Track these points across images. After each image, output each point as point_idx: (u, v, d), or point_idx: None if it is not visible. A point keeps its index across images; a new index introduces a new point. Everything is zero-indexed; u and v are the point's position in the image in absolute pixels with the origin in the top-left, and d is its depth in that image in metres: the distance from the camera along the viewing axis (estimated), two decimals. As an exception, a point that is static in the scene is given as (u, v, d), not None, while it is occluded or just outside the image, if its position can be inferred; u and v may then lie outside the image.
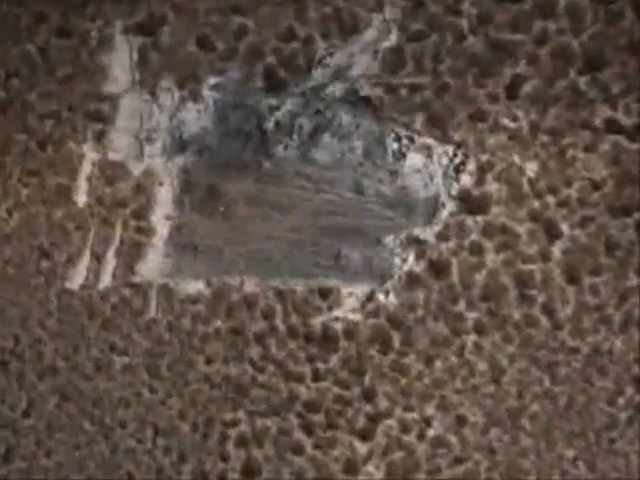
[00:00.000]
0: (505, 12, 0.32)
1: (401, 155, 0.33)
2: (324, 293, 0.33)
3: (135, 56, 0.33)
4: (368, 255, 0.33)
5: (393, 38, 0.33)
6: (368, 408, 0.33)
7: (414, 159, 0.33)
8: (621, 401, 0.34)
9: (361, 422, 0.33)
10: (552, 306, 0.33)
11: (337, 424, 0.33)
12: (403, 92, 0.33)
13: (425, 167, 0.33)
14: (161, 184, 0.36)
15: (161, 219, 0.36)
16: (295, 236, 0.35)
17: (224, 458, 0.33)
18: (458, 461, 0.34)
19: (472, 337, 0.33)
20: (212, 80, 0.33)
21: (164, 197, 0.36)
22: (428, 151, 0.33)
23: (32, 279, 0.35)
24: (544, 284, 0.33)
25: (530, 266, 0.33)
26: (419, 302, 0.33)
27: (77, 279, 0.35)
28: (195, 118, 0.33)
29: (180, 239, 0.36)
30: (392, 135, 0.33)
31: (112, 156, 0.33)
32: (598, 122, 0.32)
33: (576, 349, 0.33)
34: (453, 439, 0.33)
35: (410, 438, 0.33)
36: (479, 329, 0.33)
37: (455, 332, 0.33)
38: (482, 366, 0.33)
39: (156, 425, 0.35)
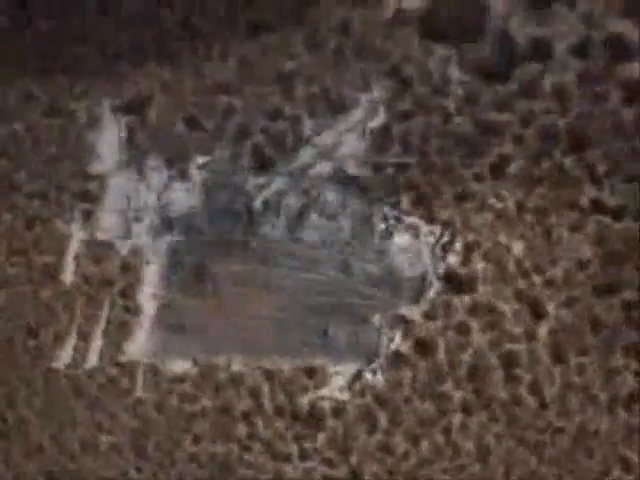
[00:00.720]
0: (491, 92, 0.33)
1: (388, 235, 0.34)
2: (311, 372, 0.34)
3: (123, 135, 0.33)
4: (355, 334, 0.34)
5: (380, 118, 0.33)
6: None
7: (401, 238, 0.34)
8: None
9: None
10: (538, 386, 0.34)
11: None
12: (390, 172, 0.34)
13: (412, 246, 0.34)
14: (148, 263, 0.36)
15: (148, 298, 0.36)
16: (282, 315, 0.35)
17: None
18: None
19: (458, 416, 0.34)
20: (200, 159, 0.33)
21: (151, 276, 0.36)
22: (415, 231, 0.34)
23: (18, 358, 0.35)
24: (530, 364, 0.34)
25: (516, 346, 0.34)
26: (406, 381, 0.34)
27: (64, 358, 0.34)
28: (183, 197, 0.33)
29: (167, 318, 0.36)
30: (379, 215, 0.34)
31: (99, 235, 0.34)
32: (584, 202, 0.33)
33: (562, 429, 0.34)
34: None
35: None
36: (465, 409, 0.34)
37: (441, 411, 0.34)
38: (468, 446, 0.34)
39: None
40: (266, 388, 0.34)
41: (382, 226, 0.34)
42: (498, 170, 0.34)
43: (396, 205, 0.34)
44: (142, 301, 0.35)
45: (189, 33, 0.34)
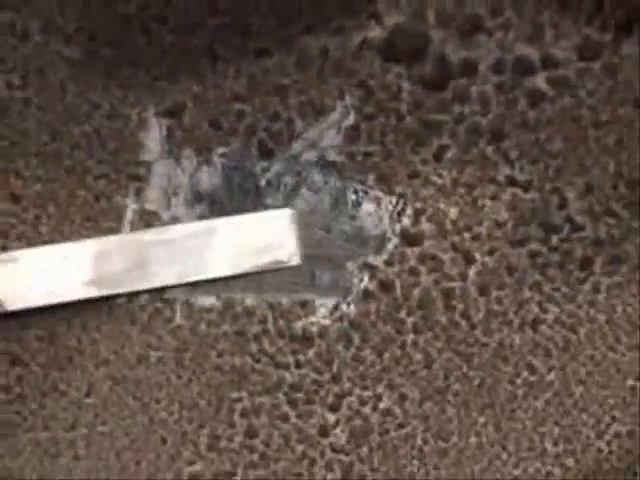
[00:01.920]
0: (432, 99, 0.39)
1: (358, 204, 0.41)
2: (303, 304, 0.40)
3: (164, 133, 0.39)
4: (335, 277, 0.41)
5: (351, 118, 0.40)
6: (336, 388, 0.40)
7: (368, 207, 0.41)
8: (519, 381, 0.40)
9: (330, 399, 0.41)
10: (468, 312, 0.41)
11: (313, 400, 0.40)
12: (359, 158, 0.40)
13: (375, 212, 0.41)
14: (183, 226, 0.46)
15: (182, 252, 0.46)
16: (278, 267, 0.41)
17: (231, 425, 0.40)
18: (401, 426, 0.40)
19: (411, 336, 0.41)
20: (220, 150, 0.40)
21: (185, 237, 0.46)
22: (378, 201, 0.41)
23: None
24: (462, 296, 0.41)
25: (452, 283, 0.41)
26: (372, 310, 0.41)
27: (123, 297, 0.40)
28: (208, 178, 0.40)
29: None
30: (351, 189, 0.41)
31: (147, 206, 0.40)
32: (500, 178, 0.40)
33: (486, 344, 0.41)
34: (397, 410, 0.40)
35: (366, 410, 0.41)
36: (416, 330, 0.41)
37: (398, 332, 0.41)
38: (418, 357, 0.41)
39: (181, 402, 0.39)
40: (270, 316, 0.40)
41: (353, 197, 0.41)
42: (438, 156, 0.40)
43: (364, 182, 0.41)
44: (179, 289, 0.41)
45: (212, 57, 0.39)
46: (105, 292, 0.39)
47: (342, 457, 0.40)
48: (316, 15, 0.39)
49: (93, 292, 0.39)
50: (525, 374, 0.41)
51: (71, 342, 0.40)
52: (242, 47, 0.39)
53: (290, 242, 0.40)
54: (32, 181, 0.40)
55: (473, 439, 0.40)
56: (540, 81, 0.39)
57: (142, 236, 0.40)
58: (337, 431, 0.40)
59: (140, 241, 0.39)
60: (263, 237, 0.40)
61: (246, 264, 0.39)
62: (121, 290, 0.39)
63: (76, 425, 0.40)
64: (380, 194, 0.41)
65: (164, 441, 0.40)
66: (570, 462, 0.41)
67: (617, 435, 0.40)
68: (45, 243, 0.40)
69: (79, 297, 0.39)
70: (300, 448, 0.40)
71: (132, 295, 0.40)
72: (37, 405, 0.40)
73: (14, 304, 0.39)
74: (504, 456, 0.41)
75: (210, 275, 0.39)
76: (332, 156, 0.40)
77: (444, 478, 0.40)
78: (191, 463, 0.40)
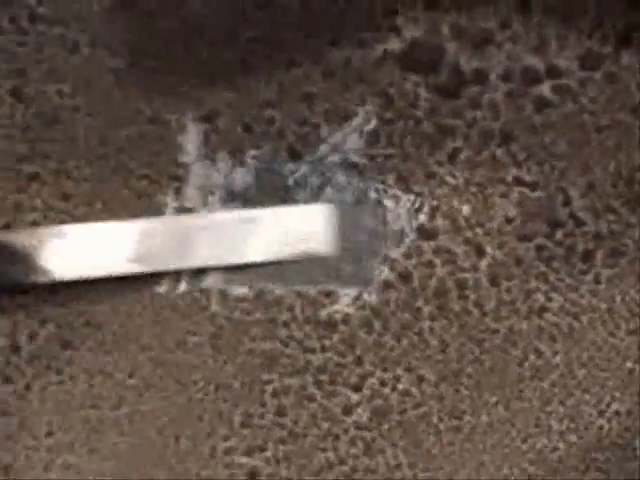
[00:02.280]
0: (447, 105, 0.42)
1: (378, 202, 0.43)
2: (328, 294, 0.43)
3: (201, 137, 0.42)
4: (357, 269, 0.43)
5: (373, 123, 0.43)
6: (358, 370, 0.43)
7: (387, 204, 0.43)
8: (526, 364, 0.43)
9: (353, 380, 0.43)
10: (480, 301, 0.43)
11: (337, 381, 0.43)
12: (379, 159, 0.43)
13: (395, 209, 0.43)
14: (218, 222, 0.49)
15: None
16: (309, 257, 0.43)
17: (263, 404, 0.42)
18: (418, 405, 0.43)
19: (427, 323, 0.43)
20: (252, 152, 0.42)
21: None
22: (397, 199, 0.43)
23: (129, 285, 0.48)
24: (474, 287, 0.43)
25: (465, 275, 0.43)
26: (392, 300, 0.43)
27: (164, 286, 0.42)
28: (241, 178, 0.42)
29: None
30: (372, 189, 0.43)
31: (186, 204, 0.42)
32: (509, 178, 0.43)
33: (496, 330, 0.43)
34: (415, 391, 0.43)
35: (386, 390, 0.43)
36: (432, 317, 0.43)
37: (416, 319, 0.43)
38: (434, 342, 0.43)
39: (217, 383, 0.42)
40: (298, 305, 0.43)
41: (374, 196, 0.44)
42: (452, 158, 0.43)
43: (384, 182, 0.43)
44: (214, 278, 0.43)
45: (245, 67, 0.42)
46: (146, 269, 0.42)
47: (364, 434, 0.44)
48: (340, 29, 0.43)
49: (135, 268, 0.42)
50: (532, 358, 0.43)
51: (117, 328, 0.43)
52: (272, 58, 0.43)
53: (325, 234, 0.43)
54: (81, 181, 0.43)
55: (484, 417, 0.44)
56: (545, 89, 0.43)
57: (184, 220, 0.43)
58: (359, 410, 0.44)
59: (182, 224, 0.43)
60: (299, 228, 0.43)
61: (282, 253, 0.43)
62: (161, 268, 0.42)
63: (121, 404, 0.43)
64: (399, 193, 0.43)
65: (201, 419, 0.43)
66: (573, 438, 0.44)
67: (617, 413, 0.44)
68: (93, 238, 0.43)
69: (122, 272, 0.42)
70: (325, 425, 0.44)
71: (172, 286, 0.43)
72: (86, 386, 0.43)
73: (62, 275, 0.42)
74: (513, 433, 0.44)
75: (247, 260, 0.42)
76: (355, 158, 0.43)
77: (458, 453, 0.44)
78: (226, 439, 0.43)
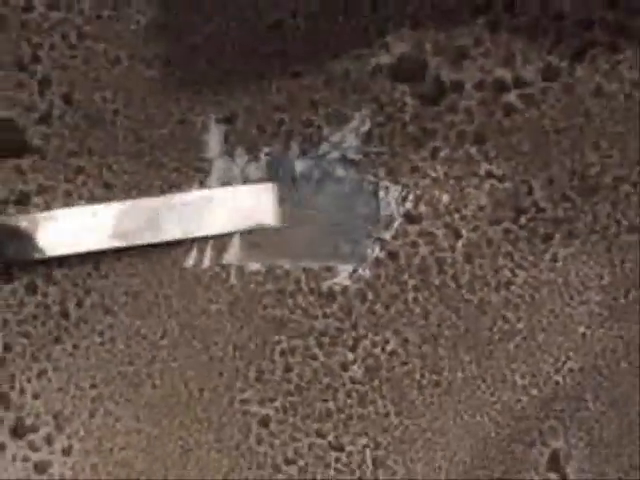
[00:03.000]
0: (429, 111, 0.49)
1: (371, 192, 0.50)
2: (329, 269, 0.48)
3: (222, 136, 0.48)
4: (354, 248, 0.49)
5: (367, 125, 0.49)
6: (354, 334, 0.48)
7: (379, 194, 0.49)
8: (495, 329, 0.48)
9: (350, 342, 0.48)
10: (457, 276, 0.49)
11: (336, 343, 0.48)
12: (372, 156, 0.49)
13: (385, 198, 0.49)
14: (236, 210, 0.54)
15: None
16: (312, 238, 0.49)
17: (273, 362, 0.47)
18: (404, 363, 0.48)
19: (411, 294, 0.49)
20: (265, 149, 0.48)
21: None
22: (387, 189, 0.49)
23: (161, 261, 0.54)
24: (452, 264, 0.49)
25: (444, 253, 0.49)
26: (382, 274, 0.49)
27: (190, 261, 0.48)
28: (255, 171, 0.48)
29: (248, 239, 0.52)
30: (367, 181, 0.49)
31: None
32: (482, 172, 0.49)
33: (470, 300, 0.49)
34: (401, 351, 0.48)
35: (377, 351, 0.48)
36: (416, 289, 0.49)
37: (402, 291, 0.48)
38: (417, 309, 0.48)
39: (234, 344, 0.47)
40: (304, 278, 0.48)
41: (368, 187, 0.50)
42: (434, 155, 0.49)
43: (376, 175, 0.50)
44: (232, 254, 0.49)
45: (260, 78, 0.49)
46: (124, 244, 0.48)
47: (359, 387, 0.50)
48: (340, 45, 0.49)
49: (115, 244, 0.48)
50: (500, 324, 0.49)
51: (151, 297, 0.49)
52: (282, 70, 0.50)
53: (270, 208, 0.50)
54: (120, 173, 0.49)
55: (460, 374, 0.49)
56: (512, 97, 0.49)
57: (155, 201, 0.49)
58: (355, 367, 0.48)
59: (153, 204, 0.49)
60: (249, 204, 0.49)
61: (236, 226, 0.49)
62: (138, 242, 0.48)
63: (154, 361, 0.49)
64: (388, 184, 0.50)
65: (221, 374, 0.49)
66: (534, 392, 0.48)
67: (571, 370, 0.49)
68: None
69: (105, 247, 0.48)
70: (326, 380, 0.50)
71: (197, 262, 0.50)
72: (124, 345, 0.50)
73: (53, 251, 0.48)
74: (483, 387, 0.49)
75: (208, 232, 0.49)
76: (351, 155, 0.50)
77: (437, 403, 0.51)
78: (242, 391, 0.50)
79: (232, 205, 0.48)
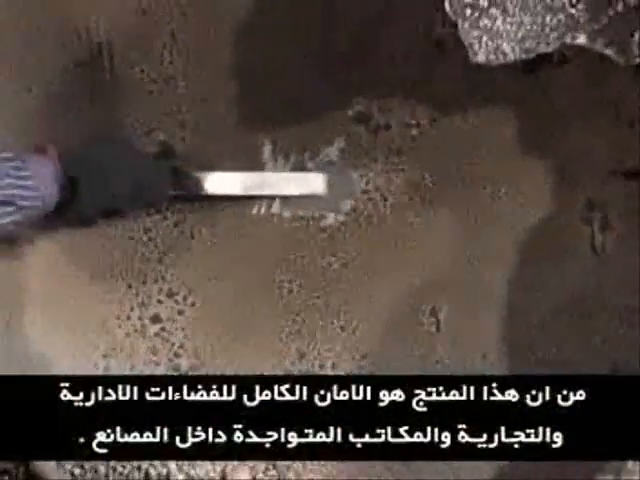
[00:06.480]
0: (372, 137, 0.89)
1: (346, 177, 0.86)
2: (321, 216, 0.86)
3: (270, 150, 0.88)
4: (336, 205, 0.89)
5: (342, 144, 0.87)
6: (337, 246, 0.88)
7: (352, 178, 0.86)
8: (402, 245, 0.97)
9: (334, 251, 0.88)
10: (385, 220, 0.91)
11: (326, 253, 0.88)
12: (346, 160, 0.87)
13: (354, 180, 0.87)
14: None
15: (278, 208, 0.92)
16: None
17: (294, 259, 0.87)
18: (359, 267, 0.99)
19: (364, 228, 0.88)
20: (292, 158, 0.88)
21: (275, 204, 0.89)
22: (353, 176, 0.86)
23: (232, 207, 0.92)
24: (383, 215, 0.90)
25: (379, 209, 0.89)
26: (350, 219, 0.87)
27: (254, 211, 0.88)
28: (285, 169, 0.88)
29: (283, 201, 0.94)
30: (344, 172, 0.87)
31: None
32: (399, 169, 0.89)
33: (392, 229, 0.92)
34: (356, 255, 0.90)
35: (348, 257, 0.88)
36: (366, 225, 0.87)
37: (359, 226, 0.88)
38: (368, 234, 0.88)
39: (276, 250, 0.90)
40: (311, 220, 0.85)
41: (346, 174, 0.87)
42: (376, 160, 0.89)
43: (349, 169, 0.88)
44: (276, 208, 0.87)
45: (288, 119, 0.89)
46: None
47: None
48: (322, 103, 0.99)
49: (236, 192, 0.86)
50: (408, 243, 0.91)
51: (221, 232, 0.90)
52: (303, 112, 0.89)
53: (319, 185, 0.88)
54: None
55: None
56: (414, 131, 0.98)
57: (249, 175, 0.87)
58: (336, 266, 0.89)
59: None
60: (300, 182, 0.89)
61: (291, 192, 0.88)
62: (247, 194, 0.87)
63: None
64: (354, 174, 0.89)
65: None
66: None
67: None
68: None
69: (229, 194, 0.87)
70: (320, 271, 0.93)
71: (257, 210, 0.90)
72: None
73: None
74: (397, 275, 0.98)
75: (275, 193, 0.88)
76: (335, 159, 0.87)
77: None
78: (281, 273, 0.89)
79: (285, 183, 0.89)
